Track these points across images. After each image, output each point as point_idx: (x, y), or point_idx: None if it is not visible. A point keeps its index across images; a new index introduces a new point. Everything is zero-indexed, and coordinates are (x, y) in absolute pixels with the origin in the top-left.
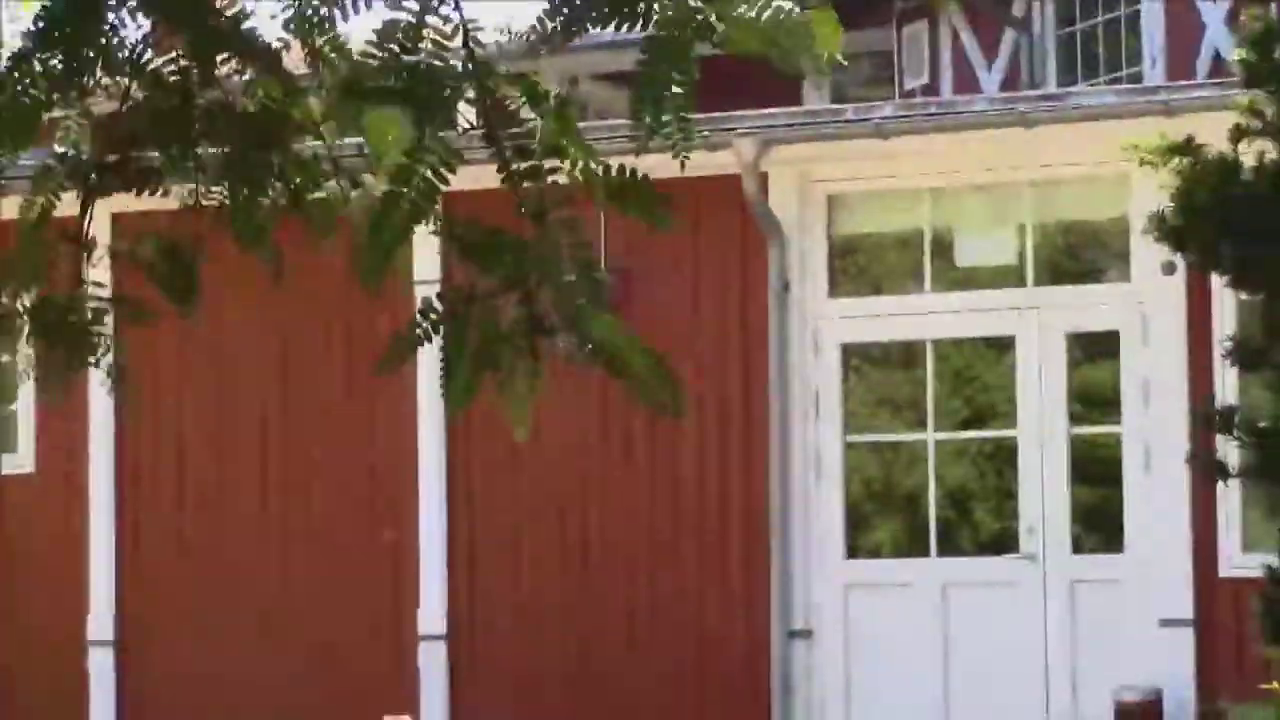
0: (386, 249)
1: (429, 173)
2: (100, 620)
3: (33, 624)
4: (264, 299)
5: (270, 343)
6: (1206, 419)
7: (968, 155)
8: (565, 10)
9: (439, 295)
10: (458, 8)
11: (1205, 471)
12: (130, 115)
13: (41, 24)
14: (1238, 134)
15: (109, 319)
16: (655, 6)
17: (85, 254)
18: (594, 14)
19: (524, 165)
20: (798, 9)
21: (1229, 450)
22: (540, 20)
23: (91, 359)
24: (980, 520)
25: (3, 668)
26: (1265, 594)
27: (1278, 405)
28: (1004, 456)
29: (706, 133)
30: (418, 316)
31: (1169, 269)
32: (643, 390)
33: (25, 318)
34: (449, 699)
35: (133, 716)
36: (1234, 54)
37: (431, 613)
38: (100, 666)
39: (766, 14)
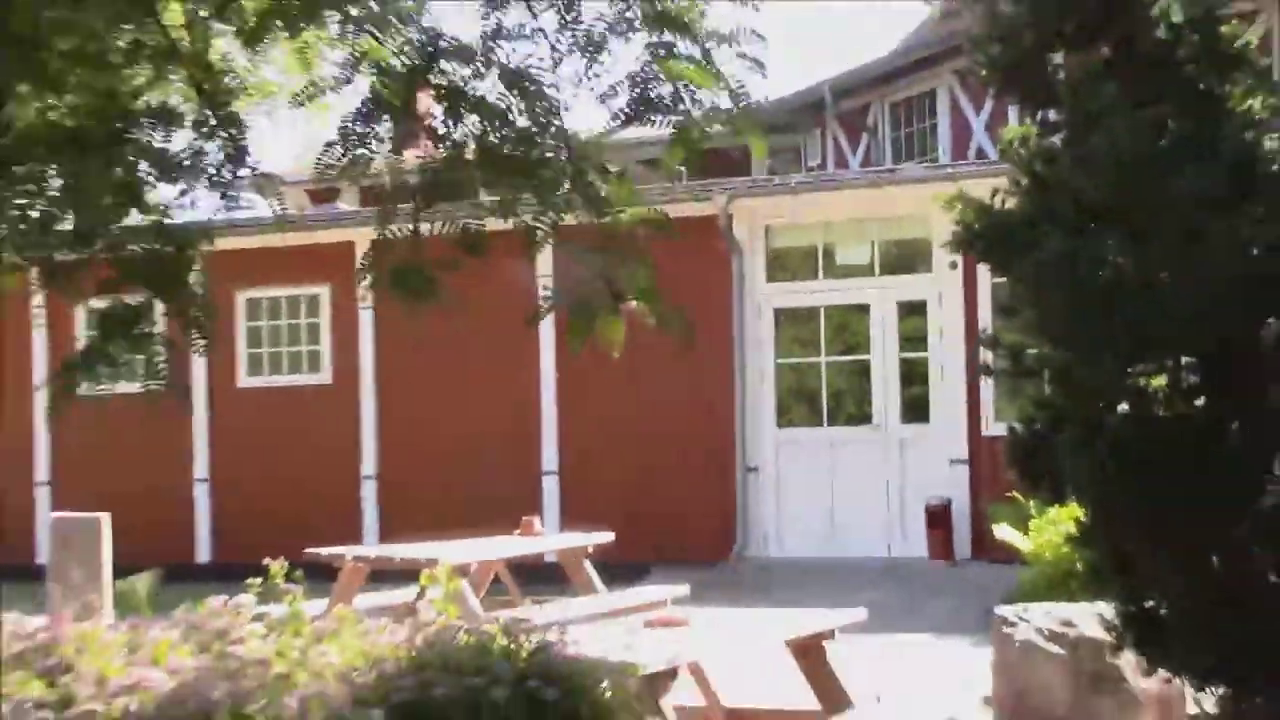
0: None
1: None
2: (368, 466)
3: (326, 474)
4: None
5: (469, 326)
6: (978, 342)
7: (842, 203)
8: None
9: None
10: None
11: (976, 373)
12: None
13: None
14: (993, 192)
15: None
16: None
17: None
18: (643, 118)
19: (607, 211)
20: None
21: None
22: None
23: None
24: (850, 406)
25: (309, 502)
26: (1007, 442)
27: (1012, 334)
28: (863, 370)
29: (698, 190)
30: (541, 301)
31: (953, 265)
32: (670, 327)
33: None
34: (561, 507)
35: (385, 521)
36: (997, 145)
37: (548, 459)
38: (368, 492)
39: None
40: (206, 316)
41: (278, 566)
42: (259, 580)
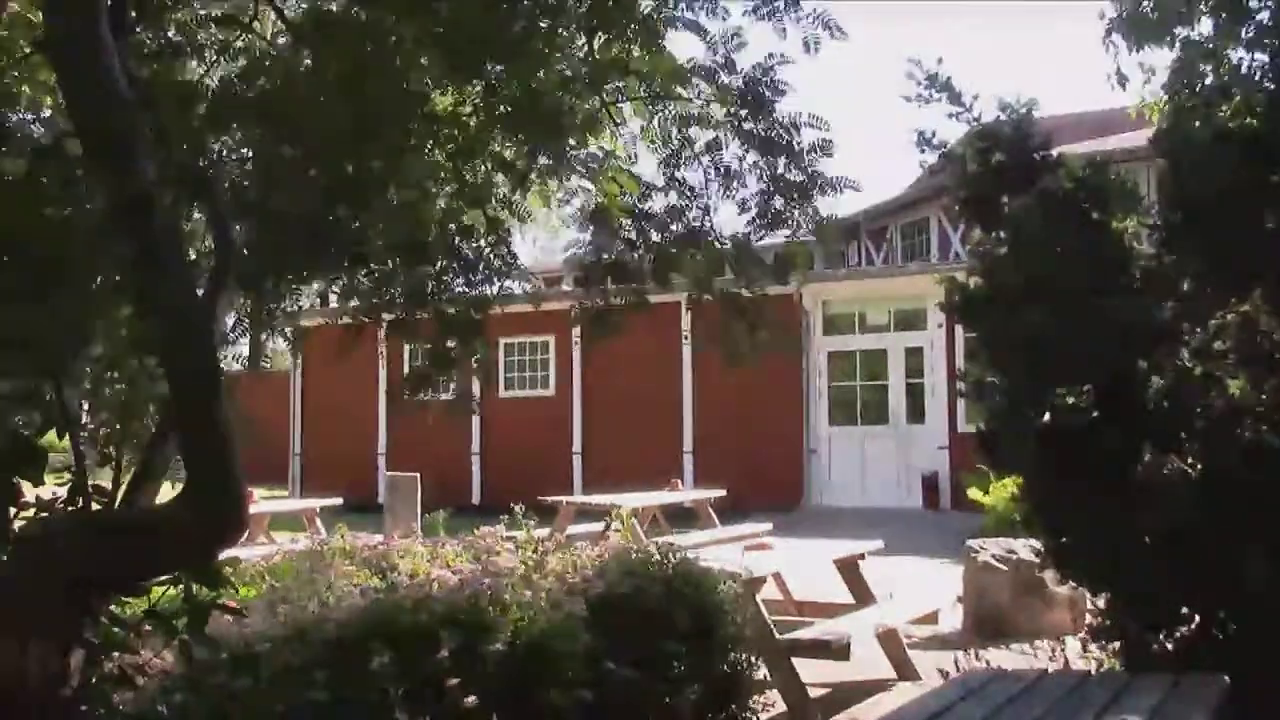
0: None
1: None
2: (576, 445)
3: (550, 451)
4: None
5: (640, 359)
6: (957, 376)
7: (871, 286)
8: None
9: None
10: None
11: (954, 393)
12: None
13: None
14: (967, 275)
15: None
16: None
17: None
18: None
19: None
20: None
21: (961, 386)
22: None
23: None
24: (875, 412)
25: (541, 467)
26: (977, 434)
27: (974, 369)
28: (883, 390)
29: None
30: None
31: (939, 324)
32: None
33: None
34: (694, 472)
35: (586, 480)
36: (967, 250)
37: (687, 442)
38: (575, 460)
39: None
40: (486, 358)
41: (519, 508)
42: (508, 516)
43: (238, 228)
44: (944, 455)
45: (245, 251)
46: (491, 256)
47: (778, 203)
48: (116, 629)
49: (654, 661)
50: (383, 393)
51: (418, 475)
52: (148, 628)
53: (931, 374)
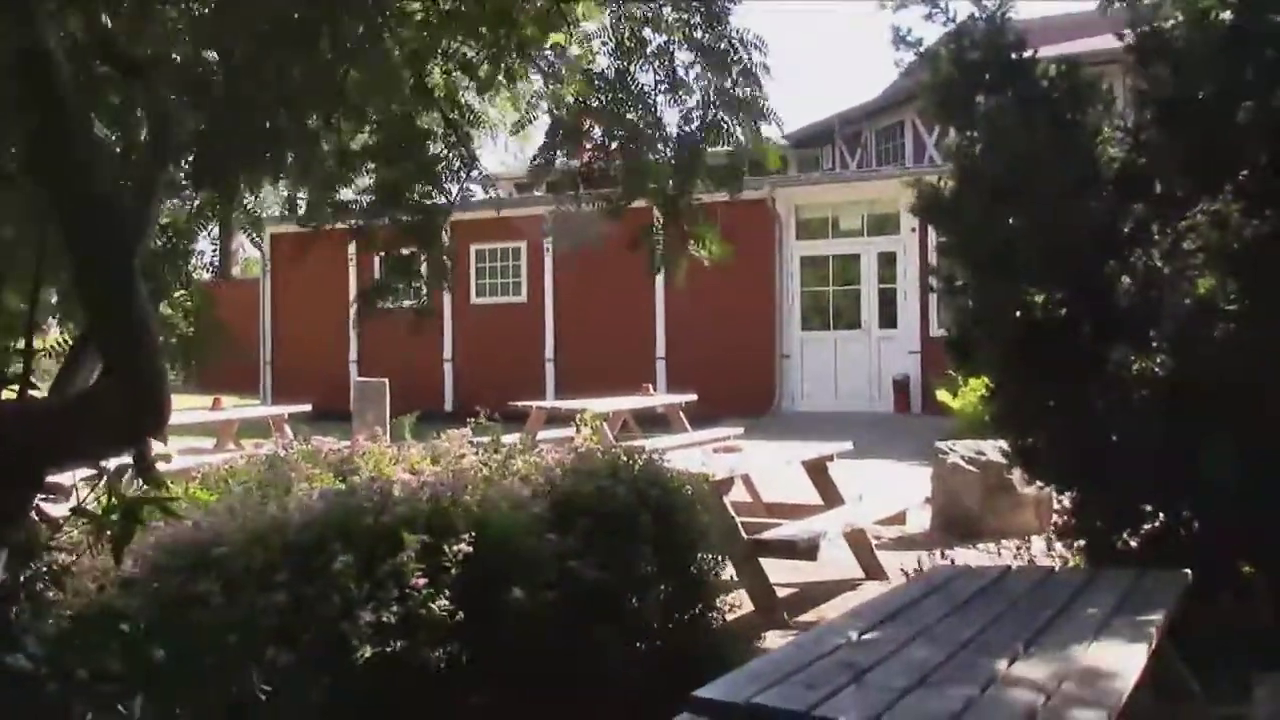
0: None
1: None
2: (548, 352)
3: (523, 357)
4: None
5: (611, 267)
6: (928, 273)
7: (844, 191)
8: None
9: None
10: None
11: (925, 295)
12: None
13: None
14: (938, 179)
15: None
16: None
17: None
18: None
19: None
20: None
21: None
22: None
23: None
24: (848, 317)
25: (512, 373)
26: (947, 341)
27: (950, 268)
28: (856, 296)
29: (758, 183)
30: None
31: (912, 229)
32: (719, 256)
33: None
34: (666, 378)
35: (558, 386)
36: (942, 153)
37: (659, 348)
38: (547, 367)
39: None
40: (451, 260)
41: (485, 412)
42: (474, 420)
43: (197, 121)
44: (915, 360)
45: (201, 145)
46: (452, 158)
47: (721, 117)
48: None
49: (620, 562)
50: (354, 300)
51: (386, 381)
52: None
53: (904, 279)
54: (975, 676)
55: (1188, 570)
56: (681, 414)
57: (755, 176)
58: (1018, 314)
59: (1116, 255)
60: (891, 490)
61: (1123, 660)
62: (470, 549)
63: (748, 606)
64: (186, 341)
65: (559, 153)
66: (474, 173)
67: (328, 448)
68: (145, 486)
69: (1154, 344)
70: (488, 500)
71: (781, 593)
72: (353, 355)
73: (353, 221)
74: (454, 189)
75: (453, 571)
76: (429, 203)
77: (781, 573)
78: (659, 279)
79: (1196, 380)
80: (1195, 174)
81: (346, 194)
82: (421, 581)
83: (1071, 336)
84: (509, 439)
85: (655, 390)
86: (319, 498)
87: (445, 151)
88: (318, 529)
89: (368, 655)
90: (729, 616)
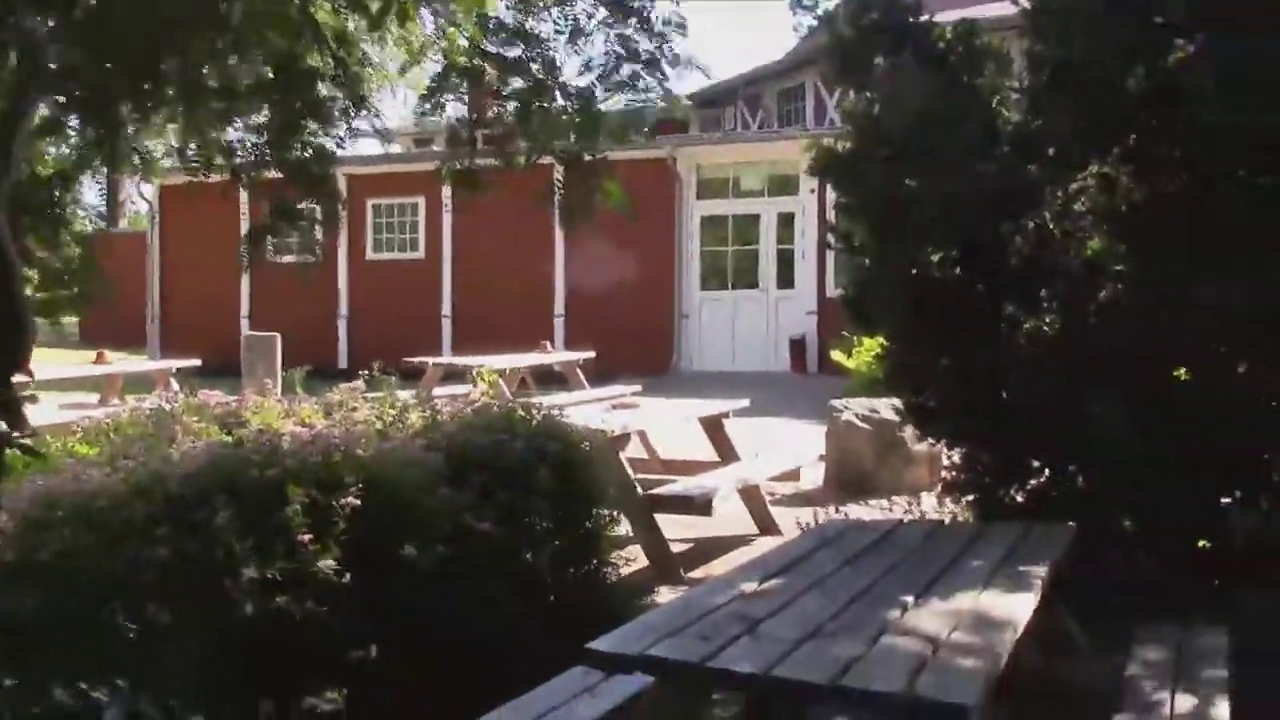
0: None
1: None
2: (445, 308)
3: (419, 313)
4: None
5: (510, 223)
6: (828, 234)
7: (745, 151)
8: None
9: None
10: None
11: (824, 258)
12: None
13: None
14: (835, 139)
15: None
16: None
17: None
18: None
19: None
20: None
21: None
22: None
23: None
24: (747, 277)
25: (409, 330)
26: (844, 300)
27: (848, 227)
28: (754, 256)
29: (660, 143)
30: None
31: (811, 190)
32: (626, 213)
33: None
34: (565, 336)
35: (456, 343)
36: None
37: (558, 306)
38: (444, 323)
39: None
40: (338, 204)
41: (379, 367)
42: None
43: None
44: (812, 320)
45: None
46: (342, 98)
47: (624, 69)
48: None
49: (515, 517)
50: (241, 242)
51: (277, 335)
52: None
53: (802, 239)
54: (868, 627)
55: (1072, 524)
56: (579, 372)
57: (659, 135)
58: (912, 273)
59: (1010, 216)
60: (787, 448)
61: (1010, 610)
62: (360, 503)
63: (643, 562)
64: (61, 289)
65: (448, 97)
66: (363, 113)
67: (215, 401)
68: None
69: (1044, 304)
70: (380, 454)
71: (677, 548)
72: (245, 310)
73: (238, 160)
74: (342, 130)
75: (341, 526)
76: (317, 142)
77: (677, 528)
78: (558, 237)
79: (1085, 340)
80: (1086, 137)
81: (233, 135)
82: (308, 537)
83: (965, 296)
84: (404, 395)
85: (554, 348)
86: (203, 450)
87: (334, 91)
88: (201, 482)
89: (251, 612)
90: (624, 571)
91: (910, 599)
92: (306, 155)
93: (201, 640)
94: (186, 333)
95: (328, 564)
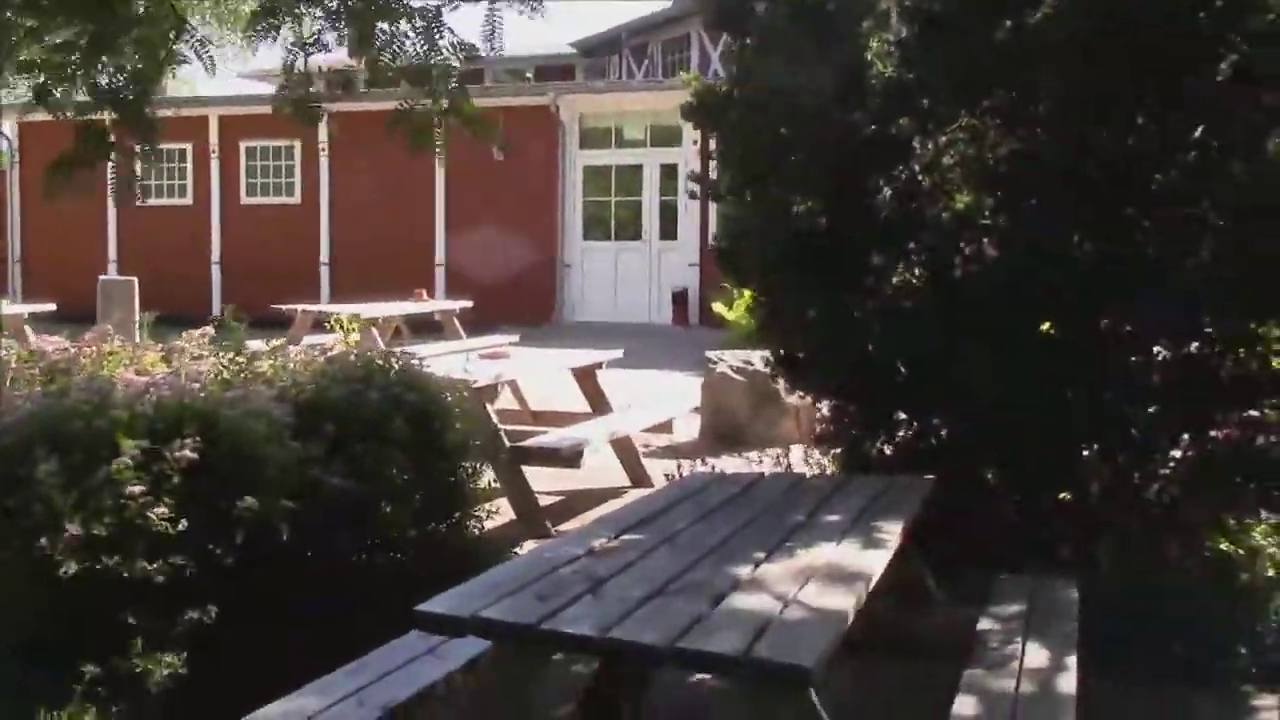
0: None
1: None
2: (324, 255)
3: (297, 260)
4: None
5: (391, 167)
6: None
7: (629, 101)
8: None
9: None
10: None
11: (706, 210)
12: None
13: None
14: (714, 79)
15: None
16: None
17: None
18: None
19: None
20: None
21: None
22: None
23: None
24: (629, 228)
25: (287, 278)
26: (717, 250)
27: (722, 175)
28: (637, 207)
29: (542, 90)
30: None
31: (694, 141)
32: (490, 139)
33: None
34: (446, 285)
35: (334, 290)
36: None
37: (439, 256)
38: (323, 271)
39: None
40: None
41: (231, 313)
42: (216, 320)
43: None
44: (694, 272)
45: None
46: (159, 16)
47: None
48: None
49: (370, 470)
50: (110, 195)
51: (134, 280)
52: None
53: (684, 191)
54: (716, 584)
55: (932, 476)
56: (456, 321)
57: (540, 84)
58: (782, 223)
59: (879, 167)
60: (664, 400)
61: (862, 565)
62: (196, 456)
63: (510, 515)
64: None
65: (285, 20)
66: (185, 38)
67: (52, 347)
68: None
69: (913, 256)
70: (222, 404)
71: (547, 501)
72: (112, 255)
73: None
74: (161, 54)
75: (175, 480)
76: (132, 67)
77: (549, 480)
78: (439, 184)
79: (951, 293)
80: (955, 90)
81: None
82: (138, 489)
83: (833, 247)
84: (256, 344)
85: (434, 297)
86: (26, 400)
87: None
88: (21, 433)
89: (74, 571)
90: (490, 525)
91: (763, 555)
92: (119, 81)
93: (22, 602)
94: (50, 276)
95: (158, 515)
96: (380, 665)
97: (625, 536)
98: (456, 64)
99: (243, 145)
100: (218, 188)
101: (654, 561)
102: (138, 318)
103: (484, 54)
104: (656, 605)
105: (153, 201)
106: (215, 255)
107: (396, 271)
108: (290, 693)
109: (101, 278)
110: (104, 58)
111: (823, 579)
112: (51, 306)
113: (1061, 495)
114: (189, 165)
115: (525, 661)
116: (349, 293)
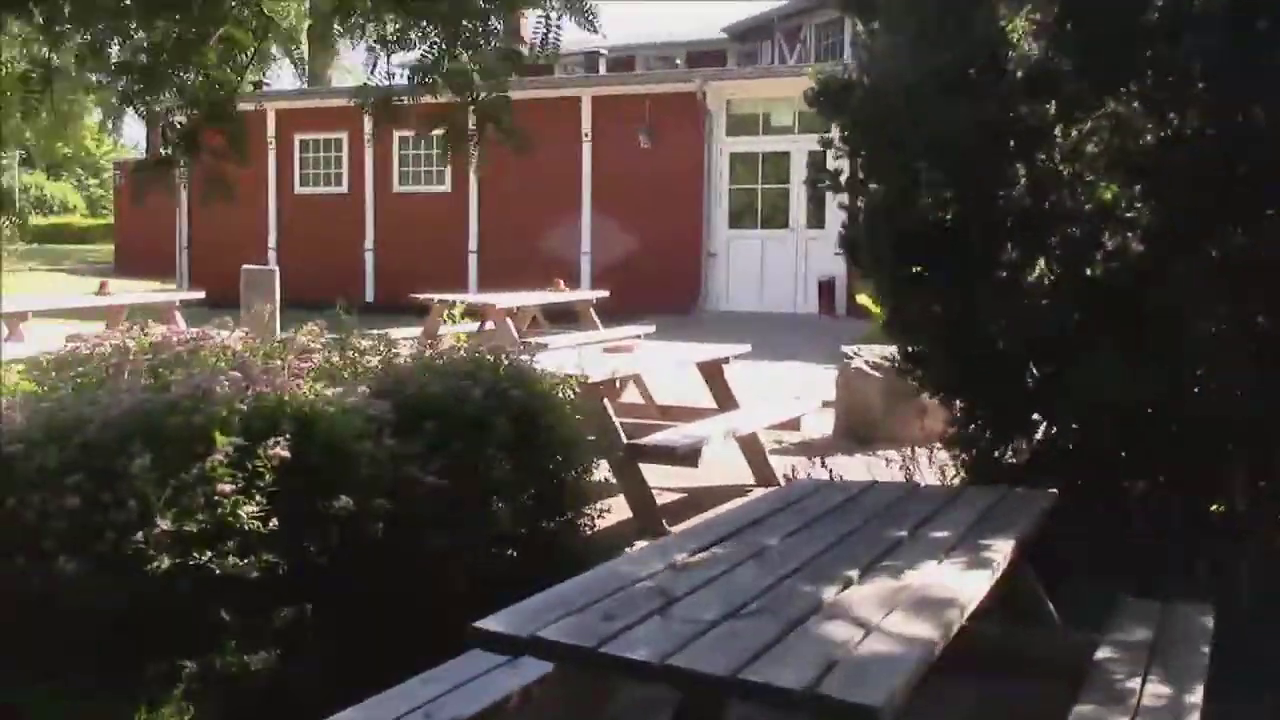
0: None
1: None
2: (472, 242)
3: (447, 251)
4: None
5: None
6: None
7: (777, 87)
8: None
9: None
10: None
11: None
12: None
13: None
14: (840, 69)
15: None
16: None
17: None
18: None
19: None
20: None
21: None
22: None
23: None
24: (776, 217)
25: (436, 265)
26: (841, 241)
27: (843, 163)
28: (785, 195)
29: (689, 76)
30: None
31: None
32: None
33: None
34: (591, 274)
35: (481, 279)
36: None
37: (585, 245)
38: (470, 259)
39: None
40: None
41: (342, 304)
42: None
43: None
44: (841, 261)
45: None
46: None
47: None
48: None
49: (469, 468)
50: (273, 183)
51: (275, 269)
52: None
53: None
54: (796, 607)
55: (1054, 490)
56: (593, 311)
57: (688, 70)
58: (908, 214)
59: (1013, 155)
60: (801, 394)
61: (961, 587)
62: (288, 454)
63: (628, 513)
64: None
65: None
66: (269, 36)
67: (177, 337)
68: None
69: (1047, 250)
70: (320, 401)
71: (668, 499)
72: (271, 242)
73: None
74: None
75: (267, 477)
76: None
77: (672, 478)
78: (586, 173)
79: (1088, 289)
80: (1101, 73)
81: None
82: (229, 488)
83: (960, 239)
84: (398, 333)
85: (579, 286)
86: (127, 393)
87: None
88: (120, 427)
89: (166, 566)
90: (605, 524)
91: (855, 573)
92: (201, 79)
93: (115, 594)
94: (215, 262)
95: (249, 513)
96: (457, 674)
97: (714, 549)
98: (510, 74)
99: (395, 134)
100: (371, 176)
101: (736, 578)
102: (279, 305)
103: (530, 60)
104: (726, 630)
105: (310, 190)
106: (368, 243)
107: (542, 260)
108: (369, 697)
109: (245, 266)
110: (192, 58)
111: (913, 604)
112: (200, 294)
113: (1215, 507)
114: (344, 154)
115: (599, 679)
116: (496, 281)
